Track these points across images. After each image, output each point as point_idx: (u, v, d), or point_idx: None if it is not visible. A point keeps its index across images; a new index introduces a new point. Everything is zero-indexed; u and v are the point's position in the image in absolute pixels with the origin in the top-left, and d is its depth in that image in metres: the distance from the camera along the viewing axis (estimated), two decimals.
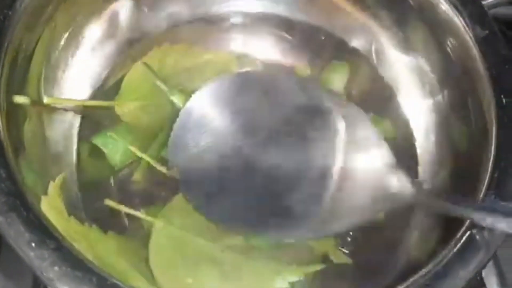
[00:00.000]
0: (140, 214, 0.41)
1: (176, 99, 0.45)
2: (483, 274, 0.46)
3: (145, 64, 0.46)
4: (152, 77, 0.46)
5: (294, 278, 0.38)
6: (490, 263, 0.46)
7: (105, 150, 0.43)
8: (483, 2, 0.44)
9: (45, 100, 0.41)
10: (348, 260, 0.41)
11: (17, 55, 0.38)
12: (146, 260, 0.40)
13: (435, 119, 0.46)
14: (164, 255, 0.39)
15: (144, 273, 0.38)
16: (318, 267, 0.39)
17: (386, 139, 0.39)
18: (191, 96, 0.44)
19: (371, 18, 0.49)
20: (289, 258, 0.39)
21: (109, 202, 0.41)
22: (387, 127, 0.47)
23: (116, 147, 0.43)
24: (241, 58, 0.49)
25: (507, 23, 0.53)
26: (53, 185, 0.39)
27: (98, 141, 0.44)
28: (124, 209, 0.41)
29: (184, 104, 0.44)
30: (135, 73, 0.47)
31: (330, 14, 0.50)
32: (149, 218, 0.41)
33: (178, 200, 0.42)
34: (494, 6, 0.51)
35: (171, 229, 0.40)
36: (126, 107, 0.45)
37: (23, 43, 0.39)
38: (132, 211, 0.41)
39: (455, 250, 0.33)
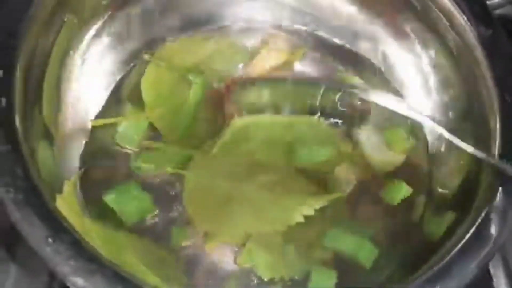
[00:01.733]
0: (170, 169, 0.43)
1: (199, 80, 0.47)
2: (491, 269, 0.46)
3: (157, 60, 0.48)
4: (171, 69, 0.47)
5: (318, 205, 0.40)
6: (498, 258, 0.46)
7: (116, 208, 0.42)
8: (488, 2, 0.44)
9: (90, 123, 0.44)
10: None
11: (32, 59, 0.39)
12: (158, 257, 0.41)
13: (442, 118, 0.46)
14: (197, 199, 0.42)
15: (155, 270, 0.39)
16: (339, 194, 0.42)
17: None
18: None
19: (377, 23, 0.50)
20: (313, 189, 0.42)
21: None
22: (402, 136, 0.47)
23: (128, 205, 0.42)
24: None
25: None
26: (68, 184, 0.40)
27: (109, 198, 0.42)
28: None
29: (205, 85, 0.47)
30: (151, 76, 0.47)
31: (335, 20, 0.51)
32: (180, 171, 0.43)
33: (203, 153, 0.45)
34: (502, 5, 0.51)
35: (201, 178, 0.43)
36: (157, 116, 0.46)
37: (39, 47, 0.40)
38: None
39: (471, 231, 0.34)
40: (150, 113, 0.46)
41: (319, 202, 0.41)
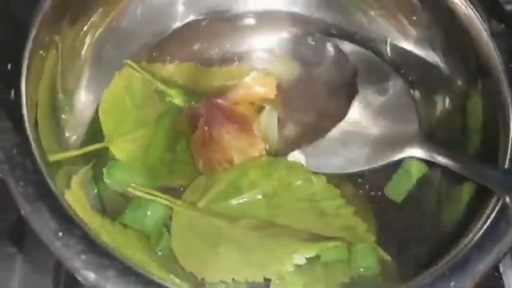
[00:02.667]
0: (160, 198, 0.42)
1: (175, 94, 0.46)
2: (501, 269, 0.46)
3: (132, 66, 0.46)
4: (147, 77, 0.46)
5: (311, 254, 0.39)
6: (508, 258, 0.46)
7: (136, 227, 0.41)
8: None
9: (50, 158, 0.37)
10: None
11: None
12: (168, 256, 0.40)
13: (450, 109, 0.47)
14: (184, 237, 0.40)
15: (163, 266, 0.39)
16: (335, 242, 0.40)
17: None
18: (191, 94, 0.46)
19: (386, 16, 0.49)
20: (305, 236, 0.40)
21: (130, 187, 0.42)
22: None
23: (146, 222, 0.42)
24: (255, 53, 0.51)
25: None
26: (75, 179, 0.39)
27: (126, 219, 0.42)
28: (144, 194, 0.41)
29: (183, 100, 0.46)
30: (108, 100, 0.45)
31: (346, 13, 0.51)
32: (169, 202, 0.41)
33: (196, 185, 0.44)
34: None
35: (190, 212, 0.41)
36: (118, 146, 0.44)
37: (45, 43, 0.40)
38: (153, 196, 0.41)
39: (488, 223, 0.34)
40: (111, 144, 0.44)
41: (311, 251, 0.39)
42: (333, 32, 0.51)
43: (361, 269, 0.40)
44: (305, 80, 0.49)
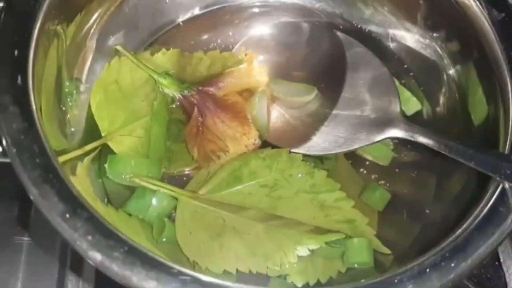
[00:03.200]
0: (165, 188, 0.42)
1: (167, 83, 0.46)
2: (501, 258, 0.46)
3: (123, 53, 0.46)
4: (138, 65, 0.46)
5: (314, 246, 0.39)
6: (508, 247, 0.46)
7: (140, 216, 0.42)
8: None
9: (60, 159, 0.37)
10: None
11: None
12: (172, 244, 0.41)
13: (450, 98, 0.47)
14: (188, 227, 0.41)
15: (168, 252, 0.39)
16: (338, 236, 0.40)
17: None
18: (182, 83, 0.46)
19: (388, 8, 0.50)
20: (308, 228, 0.40)
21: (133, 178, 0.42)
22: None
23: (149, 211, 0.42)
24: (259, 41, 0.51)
25: None
26: (81, 166, 0.40)
27: (130, 208, 0.42)
28: (149, 185, 0.42)
29: (175, 89, 0.46)
30: (99, 96, 0.45)
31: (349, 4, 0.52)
32: (173, 193, 0.42)
33: (200, 176, 0.44)
34: None
35: (194, 202, 0.41)
36: (116, 141, 0.44)
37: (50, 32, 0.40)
38: (157, 186, 0.42)
39: (487, 207, 0.34)
40: (109, 141, 0.44)
41: (315, 243, 0.39)
42: (336, 23, 0.52)
43: (355, 265, 0.41)
44: (296, 65, 0.50)
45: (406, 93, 0.49)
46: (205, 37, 0.51)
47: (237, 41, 0.51)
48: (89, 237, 0.30)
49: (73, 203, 0.31)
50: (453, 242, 0.33)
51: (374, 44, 0.51)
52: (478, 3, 0.42)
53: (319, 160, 0.45)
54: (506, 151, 0.37)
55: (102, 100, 0.45)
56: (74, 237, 0.31)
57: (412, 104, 0.49)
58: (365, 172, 0.46)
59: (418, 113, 0.49)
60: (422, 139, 0.41)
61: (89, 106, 0.45)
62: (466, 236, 0.33)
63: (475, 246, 0.33)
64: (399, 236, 0.44)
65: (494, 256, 0.46)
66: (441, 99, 0.48)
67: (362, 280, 0.32)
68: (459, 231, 0.34)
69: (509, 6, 0.42)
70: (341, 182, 0.43)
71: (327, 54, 0.50)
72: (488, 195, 0.35)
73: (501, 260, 0.46)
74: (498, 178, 0.35)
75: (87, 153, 0.42)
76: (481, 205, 0.35)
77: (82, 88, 0.46)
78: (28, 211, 0.44)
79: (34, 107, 0.34)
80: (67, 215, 0.31)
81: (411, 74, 0.50)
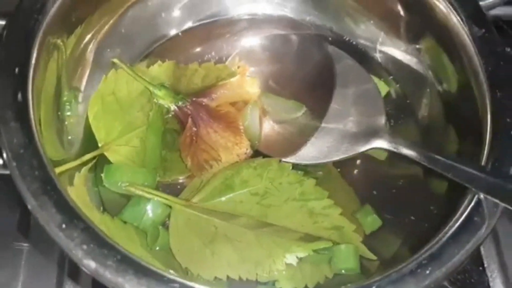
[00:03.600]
0: (160, 197, 0.43)
1: (162, 94, 0.47)
2: (485, 263, 0.48)
3: (120, 65, 0.47)
4: (136, 77, 0.47)
5: (303, 254, 0.41)
6: (492, 252, 0.48)
7: (135, 224, 0.43)
8: (482, 3, 0.46)
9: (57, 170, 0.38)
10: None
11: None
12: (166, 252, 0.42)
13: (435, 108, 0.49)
14: (181, 234, 0.42)
15: (162, 260, 0.41)
16: (326, 244, 0.41)
17: None
18: (177, 94, 0.47)
19: (375, 23, 0.52)
20: (298, 236, 0.42)
21: (129, 187, 0.44)
22: None
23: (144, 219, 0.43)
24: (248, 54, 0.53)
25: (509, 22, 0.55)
26: (78, 176, 0.42)
27: (125, 216, 0.43)
28: (144, 193, 0.43)
29: (170, 100, 0.47)
30: (97, 107, 0.46)
31: (336, 18, 0.54)
32: (167, 201, 0.43)
33: (193, 185, 0.45)
34: (496, 5, 0.52)
35: (188, 210, 0.43)
36: (113, 151, 0.45)
37: (50, 47, 0.42)
38: (152, 195, 0.43)
39: (463, 217, 0.36)
40: (105, 151, 0.45)
41: (304, 251, 0.41)
42: (325, 35, 0.54)
43: (342, 271, 0.42)
44: (287, 77, 0.52)
45: None
46: (199, 49, 0.53)
47: (231, 53, 0.52)
48: (84, 246, 0.32)
49: (70, 214, 0.33)
50: (429, 250, 0.35)
51: (362, 55, 0.53)
52: (458, 18, 0.44)
53: (308, 169, 0.47)
54: (484, 163, 0.39)
55: (100, 111, 0.46)
56: (70, 246, 0.32)
57: None
58: (353, 181, 0.48)
59: (403, 122, 0.50)
60: (405, 151, 0.43)
61: (87, 117, 0.46)
62: (442, 244, 0.35)
63: (450, 254, 0.34)
64: (384, 243, 0.45)
65: (478, 261, 0.47)
66: (427, 110, 0.50)
67: (343, 287, 0.34)
68: (436, 239, 0.35)
69: (489, 22, 0.43)
70: (329, 190, 0.44)
71: (317, 66, 0.52)
72: (464, 204, 0.37)
73: (485, 265, 0.47)
74: (473, 189, 0.36)
75: (84, 163, 0.43)
76: (458, 214, 0.36)
77: (80, 97, 0.47)
78: (28, 219, 0.46)
79: (33, 122, 0.36)
80: (64, 226, 0.33)
81: (397, 85, 0.52)
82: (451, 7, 0.44)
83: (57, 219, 0.33)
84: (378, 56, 0.53)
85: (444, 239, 0.35)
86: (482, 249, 0.48)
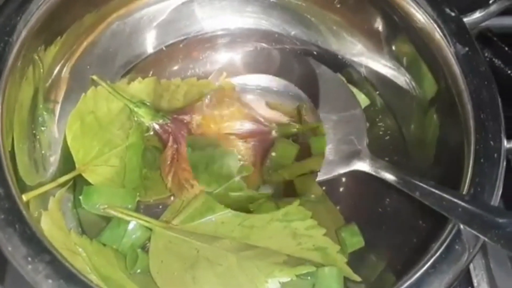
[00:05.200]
0: (139, 219, 0.42)
1: (142, 112, 0.46)
2: (475, 283, 0.47)
3: (99, 82, 0.47)
4: (114, 94, 0.46)
5: (285, 278, 0.40)
6: (483, 271, 0.47)
7: (114, 246, 0.42)
8: (466, 19, 0.45)
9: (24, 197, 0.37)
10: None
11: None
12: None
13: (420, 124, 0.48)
14: (162, 257, 0.41)
15: (141, 284, 0.40)
16: (309, 268, 0.40)
17: None
18: (158, 112, 0.47)
19: (358, 39, 0.51)
20: (281, 259, 0.41)
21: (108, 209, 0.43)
22: None
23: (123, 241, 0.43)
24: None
25: (500, 35, 0.54)
26: (53, 200, 0.41)
27: (104, 239, 0.43)
28: (123, 215, 0.42)
29: (151, 118, 0.46)
30: (75, 127, 0.45)
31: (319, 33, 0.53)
32: (147, 223, 0.42)
33: (174, 206, 0.45)
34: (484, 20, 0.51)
35: (168, 233, 0.42)
36: (91, 172, 0.44)
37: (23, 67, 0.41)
38: (131, 218, 0.42)
39: (444, 246, 0.35)
40: (83, 172, 0.44)
41: (286, 276, 0.40)
42: (310, 50, 0.53)
43: None
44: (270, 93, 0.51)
45: None
46: (180, 65, 0.52)
47: (214, 68, 0.52)
48: (50, 281, 0.31)
49: (36, 247, 0.32)
50: (408, 280, 0.34)
51: (348, 70, 0.52)
52: (442, 36, 0.43)
53: None
54: (466, 188, 0.38)
55: (78, 131, 0.45)
56: (36, 279, 0.32)
57: None
58: (339, 200, 0.47)
59: (386, 136, 0.50)
60: (385, 175, 0.42)
61: (65, 137, 0.45)
62: (422, 274, 0.34)
63: (429, 283, 0.34)
64: (368, 264, 0.44)
65: (468, 281, 0.47)
66: (412, 126, 0.49)
67: None
68: (416, 269, 0.34)
69: (473, 40, 0.42)
70: (313, 210, 0.43)
71: (300, 83, 0.51)
72: (445, 233, 0.36)
73: (475, 285, 0.47)
74: (453, 219, 0.36)
75: (62, 185, 0.43)
76: (439, 243, 0.35)
77: (57, 113, 0.46)
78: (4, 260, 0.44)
79: (2, 150, 0.35)
80: (29, 259, 0.32)
81: (382, 100, 0.51)
82: (435, 24, 0.43)
83: (23, 252, 0.32)
84: (363, 71, 0.52)
85: (424, 269, 0.34)
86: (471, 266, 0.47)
